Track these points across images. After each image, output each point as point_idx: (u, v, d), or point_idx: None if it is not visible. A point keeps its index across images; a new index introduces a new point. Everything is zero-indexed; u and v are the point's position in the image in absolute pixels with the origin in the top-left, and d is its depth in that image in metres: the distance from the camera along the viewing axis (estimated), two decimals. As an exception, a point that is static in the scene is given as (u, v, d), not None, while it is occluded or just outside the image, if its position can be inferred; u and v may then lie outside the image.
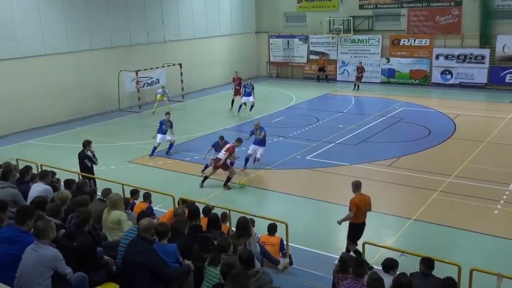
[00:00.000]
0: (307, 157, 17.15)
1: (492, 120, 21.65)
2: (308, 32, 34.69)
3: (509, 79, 28.23)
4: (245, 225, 7.77)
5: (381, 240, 10.99)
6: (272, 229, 9.51)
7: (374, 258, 9.61)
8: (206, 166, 15.50)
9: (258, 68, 37.13)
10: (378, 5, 31.98)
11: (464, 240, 11.08)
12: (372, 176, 14.95)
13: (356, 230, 9.81)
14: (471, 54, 29.24)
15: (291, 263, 9.39)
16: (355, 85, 29.87)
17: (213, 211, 9.43)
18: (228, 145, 14.66)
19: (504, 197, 13.12)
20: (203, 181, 14.75)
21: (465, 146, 17.75)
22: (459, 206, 12.74)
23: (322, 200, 13.45)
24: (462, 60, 29.55)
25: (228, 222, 9.57)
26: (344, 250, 9.78)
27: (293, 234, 9.88)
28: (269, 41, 36.32)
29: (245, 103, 24.15)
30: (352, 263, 6.78)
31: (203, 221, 8.72)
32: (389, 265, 7.27)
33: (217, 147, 15.35)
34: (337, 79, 33.44)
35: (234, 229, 8.43)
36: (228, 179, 14.52)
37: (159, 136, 17.71)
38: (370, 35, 32.33)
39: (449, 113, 22.81)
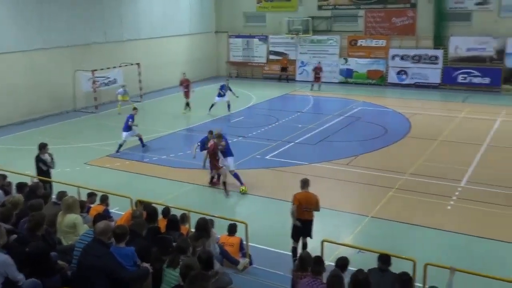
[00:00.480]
0: (267, 157, 17.23)
1: (445, 118, 22.34)
2: (267, 32, 34.86)
3: (461, 79, 29.21)
4: (204, 226, 7.72)
5: (339, 238, 11.15)
6: (231, 229, 9.49)
7: (333, 256, 9.71)
8: (212, 179, 14.72)
9: (218, 68, 37.03)
10: (337, 6, 32.46)
11: (419, 236, 11.37)
12: (331, 174, 15.18)
13: (293, 227, 10.02)
14: (426, 55, 30.10)
15: (251, 263, 9.40)
16: (312, 85, 30.12)
17: (172, 213, 9.33)
18: (210, 145, 14.31)
19: (457, 193, 13.57)
20: (225, 190, 14.05)
21: (420, 145, 18.24)
22: (414, 202, 13.08)
23: (282, 200, 13.49)
24: (417, 61, 30.37)
25: (187, 224, 9.49)
26: (303, 248, 9.87)
27: (253, 234, 9.90)
28: (228, 41, 36.28)
29: (214, 104, 24.01)
30: (311, 261, 6.84)
31: (162, 223, 8.62)
32: (342, 264, 7.36)
33: (206, 143, 14.93)
34: (297, 79, 33.74)
35: (193, 230, 8.37)
36: (224, 184, 14.06)
37: (124, 133, 17.69)
38: (328, 35, 32.79)
39: (404, 112, 23.40)
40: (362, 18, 31.82)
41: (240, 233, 9.58)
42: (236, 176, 14.21)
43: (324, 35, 32.86)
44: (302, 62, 33.87)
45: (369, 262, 7.68)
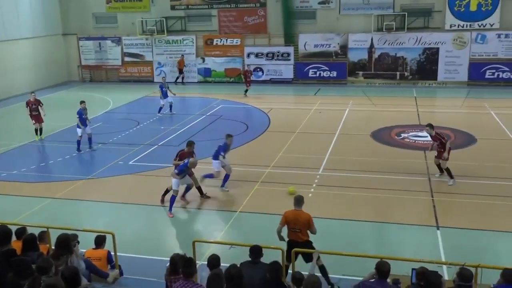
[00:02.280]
0: (130, 162, 16.65)
1: (300, 111, 23.63)
2: (120, 34, 33.69)
3: (312, 74, 31.16)
4: (65, 242, 7.18)
5: (211, 236, 11.20)
6: (98, 241, 8.96)
7: (206, 255, 9.69)
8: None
9: (69, 73, 34.92)
10: (189, 6, 32.51)
11: (286, 225, 11.84)
12: (197, 174, 15.12)
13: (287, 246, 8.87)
14: (278, 52, 31.56)
15: (121, 274, 8.98)
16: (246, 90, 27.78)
17: (30, 232, 8.51)
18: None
19: (316, 180, 14.42)
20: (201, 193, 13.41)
21: (279, 138, 19.06)
22: (278, 193, 13.57)
23: (149, 205, 13.17)
24: (270, 58, 31.71)
25: (47, 241, 8.74)
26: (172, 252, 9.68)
27: (122, 243, 9.47)
28: (78, 44, 34.35)
29: (164, 104, 23.31)
30: (181, 264, 6.74)
31: (17, 244, 7.81)
32: (214, 262, 7.36)
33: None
34: (155, 80, 33.14)
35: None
36: (199, 188, 13.45)
37: (79, 130, 17.52)
38: (184, 35, 32.73)
39: (263, 108, 24.28)
40: (215, 17, 32.30)
41: (108, 244, 9.08)
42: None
43: (179, 35, 32.74)
44: (159, 63, 33.36)
45: (243, 256, 7.79)
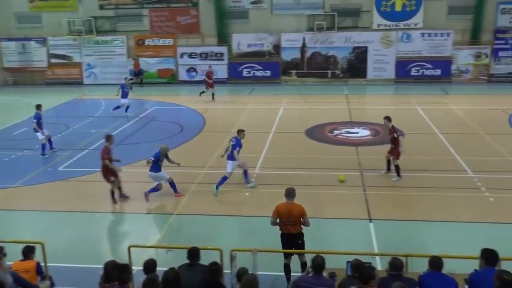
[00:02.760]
0: (60, 168, 15.98)
1: (235, 111, 23.66)
2: (46, 34, 32.31)
3: (246, 73, 31.33)
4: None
5: (147, 241, 10.95)
6: (26, 252, 8.46)
7: (142, 260, 9.46)
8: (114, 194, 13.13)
9: (-9, 76, 33.06)
10: (119, 6, 31.70)
11: (224, 225, 11.81)
12: (132, 178, 14.73)
13: (281, 239, 8.95)
14: (212, 52, 31.47)
15: (52, 285, 8.57)
16: (202, 92, 26.11)
17: None
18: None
19: (253, 179, 14.45)
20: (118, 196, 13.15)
21: (215, 138, 18.96)
22: (214, 194, 13.51)
23: (81, 211, 12.69)
24: (204, 58, 31.54)
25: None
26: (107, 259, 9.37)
27: (53, 252, 9.04)
28: (0, 45, 32.57)
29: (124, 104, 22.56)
30: (116, 270, 6.53)
31: None
32: (150, 267, 7.21)
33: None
34: (84, 82, 32.08)
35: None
36: (119, 189, 13.15)
37: (39, 133, 17.30)
38: (114, 36, 31.90)
39: (198, 108, 24.10)
40: (147, 17, 31.71)
41: (38, 254, 8.63)
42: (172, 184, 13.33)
43: (109, 36, 31.86)
44: (89, 65, 32.30)
45: (182, 260, 7.66)
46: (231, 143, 13.73)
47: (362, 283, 6.19)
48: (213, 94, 26.00)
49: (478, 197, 12.79)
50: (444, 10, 29.71)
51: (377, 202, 12.69)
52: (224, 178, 13.55)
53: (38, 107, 17.63)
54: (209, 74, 26.29)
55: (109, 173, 12.87)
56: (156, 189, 13.25)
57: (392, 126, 14.18)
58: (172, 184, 13.30)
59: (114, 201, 13.00)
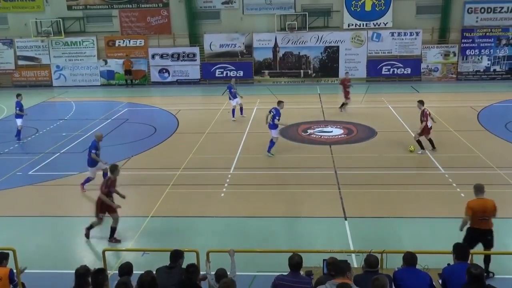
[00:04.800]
0: (30, 172, 15.63)
1: (209, 112, 23.57)
2: (12, 35, 31.58)
3: (219, 74, 31.27)
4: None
5: (122, 244, 10.80)
6: None
7: (118, 263, 9.35)
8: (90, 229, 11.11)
9: (-45, 79, 32.12)
10: (88, 6, 31.22)
11: (200, 226, 11.74)
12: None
13: (467, 234, 8.85)
14: (184, 53, 31.27)
15: (25, 292, 8.38)
16: (343, 105, 22.81)
17: None
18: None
19: (227, 180, 14.44)
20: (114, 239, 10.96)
21: (189, 139, 18.86)
22: (190, 195, 13.44)
23: (53, 216, 12.44)
24: (176, 59, 31.33)
25: None
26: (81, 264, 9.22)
27: (25, 258, 8.85)
28: (-36, 47, 31.72)
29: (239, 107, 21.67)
30: (91, 275, 6.45)
31: None
32: (126, 271, 7.13)
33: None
34: (54, 84, 31.50)
35: None
36: (114, 230, 11.00)
37: (19, 120, 18.91)
38: (83, 37, 31.41)
39: (170, 110, 23.92)
40: (116, 18, 31.31)
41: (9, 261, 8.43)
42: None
43: (78, 37, 31.36)
44: (58, 66, 31.71)
45: (158, 262, 7.60)
46: (271, 113, 16.17)
47: (337, 277, 6.23)
48: (343, 104, 22.66)
49: (449, 193, 13.06)
50: (413, 10, 30.23)
51: (352, 200, 12.82)
52: (273, 143, 16.29)
53: (18, 96, 19.25)
54: (345, 82, 22.76)
55: (103, 209, 10.88)
56: (88, 180, 13.76)
57: (422, 110, 16.01)
58: (87, 179, 13.79)
59: (87, 234, 11.07)
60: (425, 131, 16.07)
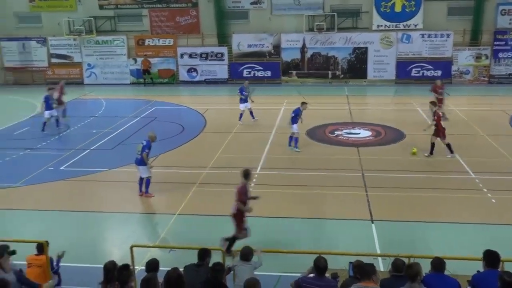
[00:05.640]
0: (61, 168, 15.99)
1: (236, 111, 23.49)
2: (46, 34, 32.31)
3: (246, 73, 31.30)
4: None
5: (149, 241, 10.97)
6: (39, 248, 8.57)
7: (144, 259, 9.49)
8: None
9: (-9, 75, 33.05)
10: (119, 6, 31.70)
11: (225, 225, 11.77)
12: (132, 178, 14.75)
13: None
14: (212, 52, 31.45)
15: (59, 283, 8.62)
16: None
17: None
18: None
19: (254, 180, 14.41)
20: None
21: (216, 138, 18.99)
22: (217, 194, 13.52)
23: (83, 211, 12.71)
24: (204, 58, 31.54)
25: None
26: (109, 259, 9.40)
27: (56, 251, 9.07)
28: (0, 44, 32.56)
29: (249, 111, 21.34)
30: (116, 271, 6.58)
31: None
32: (153, 267, 7.22)
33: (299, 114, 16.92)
34: (85, 82, 32.09)
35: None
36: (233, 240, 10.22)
37: (46, 112, 20.02)
38: (114, 36, 31.89)
39: (198, 109, 24.11)
40: (146, 17, 31.71)
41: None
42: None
43: (109, 36, 31.86)
44: (89, 64, 32.31)
45: (184, 259, 7.69)
46: (292, 114, 17.14)
47: (362, 280, 6.20)
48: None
49: (480, 198, 12.82)
50: (444, 11, 29.73)
51: (379, 203, 12.70)
52: (295, 139, 17.16)
53: (49, 90, 20.72)
54: (436, 89, 21.00)
55: (242, 219, 10.30)
56: (148, 182, 13.49)
57: (434, 111, 16.16)
58: (148, 182, 13.46)
59: (229, 252, 9.90)
60: (442, 132, 15.99)
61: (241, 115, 21.36)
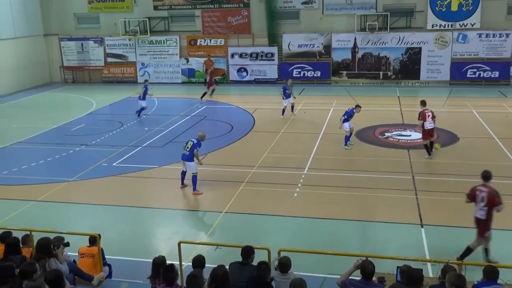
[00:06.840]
0: (114, 164, 16.51)
1: (285, 111, 23.61)
2: (103, 34, 33.43)
3: (296, 74, 31.22)
4: (44, 246, 7.13)
5: (196, 237, 11.16)
6: (92, 240, 8.93)
7: (191, 256, 9.66)
8: None
9: (51, 74, 34.56)
10: (173, 6, 32.37)
11: (271, 225, 11.86)
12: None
13: None
14: (262, 52, 31.57)
15: (110, 275, 8.94)
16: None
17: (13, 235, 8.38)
18: None
19: (301, 180, 14.44)
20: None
21: (264, 138, 19.06)
22: (264, 193, 13.59)
23: (134, 206, 13.08)
24: (254, 58, 31.71)
25: (30, 245, 8.62)
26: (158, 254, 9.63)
27: (109, 245, 9.42)
28: (60, 44, 33.99)
29: (291, 105, 22.53)
30: (162, 270, 6.74)
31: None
32: (199, 263, 7.31)
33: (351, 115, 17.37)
34: (138, 81, 32.97)
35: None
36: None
37: (143, 102, 22.46)
38: (167, 36, 32.59)
39: (247, 108, 24.27)
40: (199, 18, 32.21)
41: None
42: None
43: (163, 36, 32.59)
44: (143, 64, 33.18)
45: (230, 257, 7.77)
46: (344, 116, 17.31)
47: (409, 286, 6.06)
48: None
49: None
50: (504, 10, 28.53)
51: (429, 207, 12.37)
52: (347, 137, 17.38)
53: (146, 81, 23.68)
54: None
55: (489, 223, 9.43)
56: (194, 180, 13.69)
57: (421, 111, 15.94)
58: (194, 180, 13.67)
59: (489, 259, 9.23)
60: (424, 134, 15.87)
61: (283, 110, 21.96)
